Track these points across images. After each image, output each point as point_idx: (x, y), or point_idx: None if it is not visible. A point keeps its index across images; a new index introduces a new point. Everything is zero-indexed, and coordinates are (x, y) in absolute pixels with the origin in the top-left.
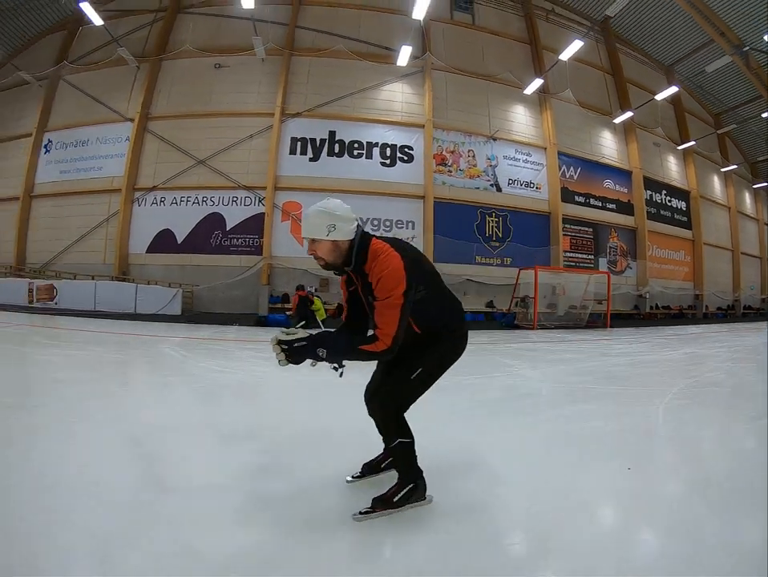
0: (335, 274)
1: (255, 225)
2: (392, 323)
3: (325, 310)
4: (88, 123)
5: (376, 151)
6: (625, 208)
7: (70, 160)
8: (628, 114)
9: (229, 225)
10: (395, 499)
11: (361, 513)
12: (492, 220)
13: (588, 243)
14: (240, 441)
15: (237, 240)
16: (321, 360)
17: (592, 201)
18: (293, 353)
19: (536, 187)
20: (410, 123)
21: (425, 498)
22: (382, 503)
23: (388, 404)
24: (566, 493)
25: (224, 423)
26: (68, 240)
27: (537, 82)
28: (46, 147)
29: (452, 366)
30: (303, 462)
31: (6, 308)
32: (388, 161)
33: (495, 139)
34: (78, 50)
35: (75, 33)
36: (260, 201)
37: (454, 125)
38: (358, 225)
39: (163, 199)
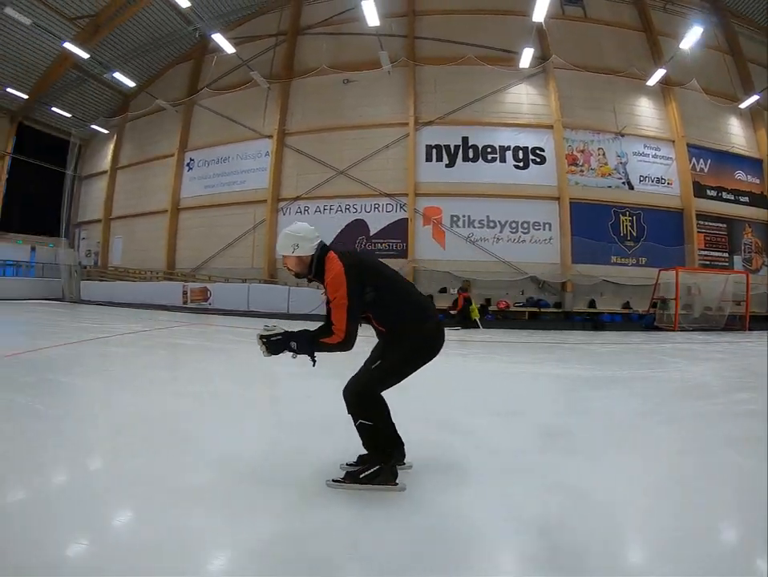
0: (308, 281)
1: (397, 230)
2: (342, 319)
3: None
4: (226, 141)
5: (509, 154)
6: (758, 201)
7: (213, 176)
8: (755, 97)
9: (372, 230)
10: (361, 476)
11: (333, 480)
12: (626, 219)
13: (722, 239)
14: None
15: (381, 245)
16: (295, 351)
17: (724, 195)
18: (271, 346)
19: (667, 183)
20: (538, 124)
21: (395, 483)
22: (351, 477)
23: (350, 388)
24: None
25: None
26: (216, 247)
27: (659, 73)
28: (188, 165)
29: (429, 362)
30: None
31: (166, 308)
32: (521, 164)
33: (622, 135)
34: (206, 77)
35: (201, 61)
36: (401, 207)
37: (582, 123)
38: (320, 243)
39: (306, 208)
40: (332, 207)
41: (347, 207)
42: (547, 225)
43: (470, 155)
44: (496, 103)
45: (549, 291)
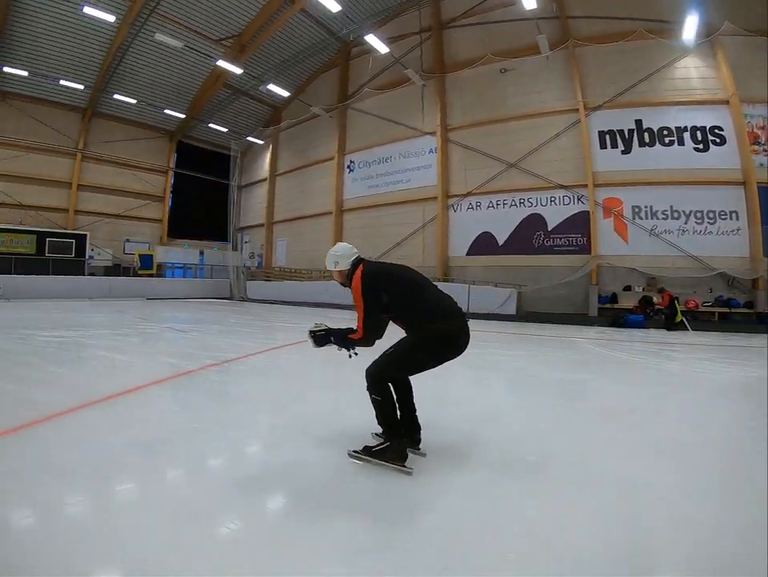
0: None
1: (577, 224)
2: (360, 319)
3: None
4: (385, 141)
5: (686, 136)
6: None
7: (375, 176)
8: None
9: (550, 225)
10: (373, 450)
11: (354, 451)
12: None
13: None
14: None
15: (560, 240)
16: (333, 344)
17: None
18: (317, 339)
19: None
20: (712, 100)
21: (404, 465)
22: (366, 450)
23: (368, 369)
24: None
25: None
26: (384, 247)
27: None
28: (349, 167)
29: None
30: None
31: (340, 306)
32: (701, 146)
33: None
34: (355, 81)
35: (347, 67)
36: (578, 199)
37: (759, 96)
38: (356, 258)
39: (478, 204)
40: (505, 202)
41: (521, 201)
42: (733, 214)
43: (646, 138)
44: (666, 80)
45: (739, 288)
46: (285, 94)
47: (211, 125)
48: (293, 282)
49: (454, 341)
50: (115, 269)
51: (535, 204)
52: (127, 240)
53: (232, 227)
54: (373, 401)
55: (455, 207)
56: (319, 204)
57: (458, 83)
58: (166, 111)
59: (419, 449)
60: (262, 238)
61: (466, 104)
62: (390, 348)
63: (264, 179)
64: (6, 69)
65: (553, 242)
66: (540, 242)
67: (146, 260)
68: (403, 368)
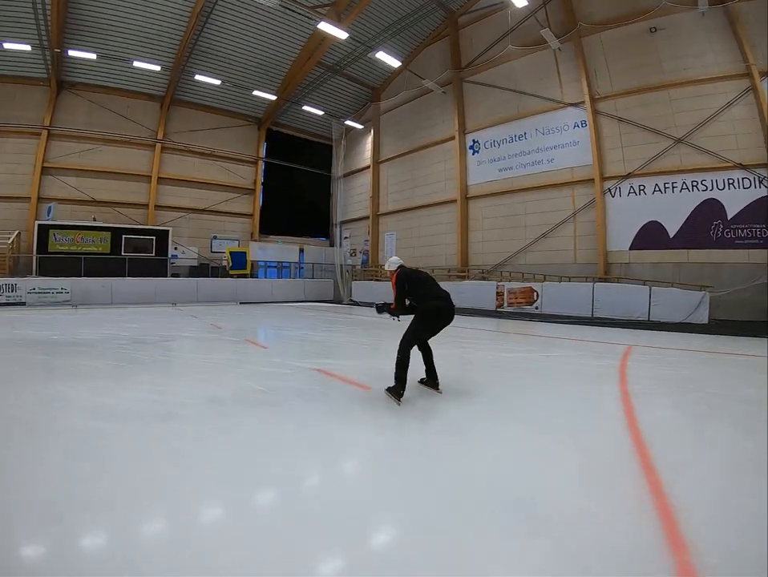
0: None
1: (761, 212)
2: (395, 297)
3: None
4: (516, 117)
5: None
6: None
7: (507, 157)
8: None
9: (730, 213)
10: (386, 388)
11: (387, 389)
12: None
13: None
14: None
15: (742, 231)
16: (386, 312)
17: None
18: (377, 309)
19: None
20: None
21: (398, 400)
22: (387, 389)
23: (403, 340)
24: None
25: None
26: (524, 238)
27: None
28: (472, 147)
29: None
30: None
31: (473, 312)
32: None
33: None
34: (467, 53)
35: (457, 37)
36: (759, 182)
37: None
38: (399, 264)
39: (642, 188)
40: (675, 185)
41: (694, 184)
42: None
43: None
44: None
45: None
46: (395, 63)
47: (305, 108)
48: None
49: (437, 313)
50: (202, 269)
51: (710, 188)
52: (215, 237)
53: (337, 220)
54: (397, 357)
55: (613, 191)
56: (435, 192)
57: (599, 46)
58: (255, 93)
59: (439, 390)
60: (366, 232)
61: (613, 70)
62: (410, 324)
63: (366, 168)
64: (72, 53)
65: (734, 233)
66: (719, 233)
67: (238, 259)
68: (418, 334)
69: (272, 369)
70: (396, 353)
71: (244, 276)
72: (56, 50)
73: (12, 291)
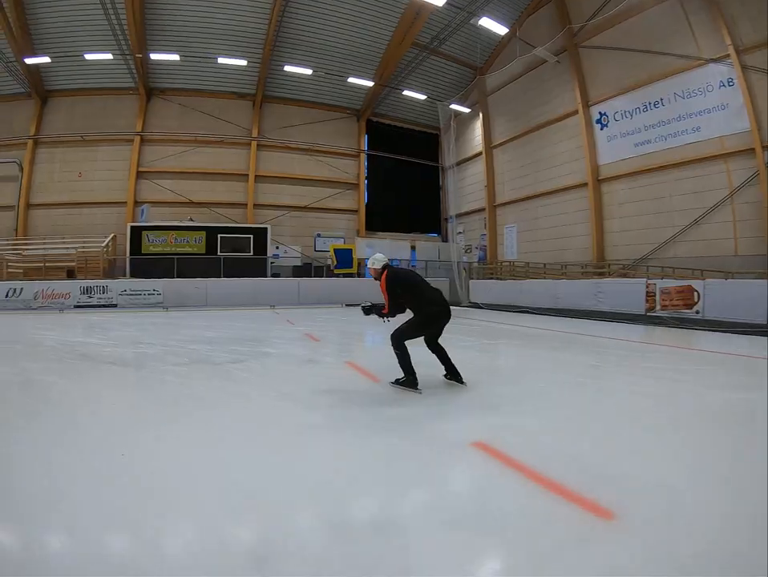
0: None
1: None
2: (386, 301)
3: None
4: (648, 80)
5: None
6: None
7: (643, 129)
8: None
9: None
10: (395, 379)
11: (391, 382)
12: None
13: None
14: None
15: None
16: (374, 314)
17: None
18: (364, 311)
19: None
20: None
21: (415, 388)
22: (397, 381)
23: (393, 335)
24: None
25: None
26: (668, 228)
27: None
28: (599, 121)
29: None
30: None
31: (625, 316)
32: None
33: None
34: (581, 13)
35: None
36: None
37: None
38: (384, 264)
39: None
40: None
41: None
42: None
43: None
44: None
45: None
46: (501, 30)
47: (406, 93)
48: (536, 281)
49: (437, 319)
50: (305, 269)
51: None
52: (318, 235)
53: (449, 214)
54: (396, 354)
55: None
56: (560, 176)
57: None
58: (350, 81)
59: (463, 382)
60: (482, 226)
61: (756, 15)
62: (404, 323)
63: (478, 154)
64: (155, 56)
65: None
66: None
67: (343, 257)
68: (408, 334)
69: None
70: (393, 350)
71: (350, 275)
72: (138, 55)
73: (103, 293)
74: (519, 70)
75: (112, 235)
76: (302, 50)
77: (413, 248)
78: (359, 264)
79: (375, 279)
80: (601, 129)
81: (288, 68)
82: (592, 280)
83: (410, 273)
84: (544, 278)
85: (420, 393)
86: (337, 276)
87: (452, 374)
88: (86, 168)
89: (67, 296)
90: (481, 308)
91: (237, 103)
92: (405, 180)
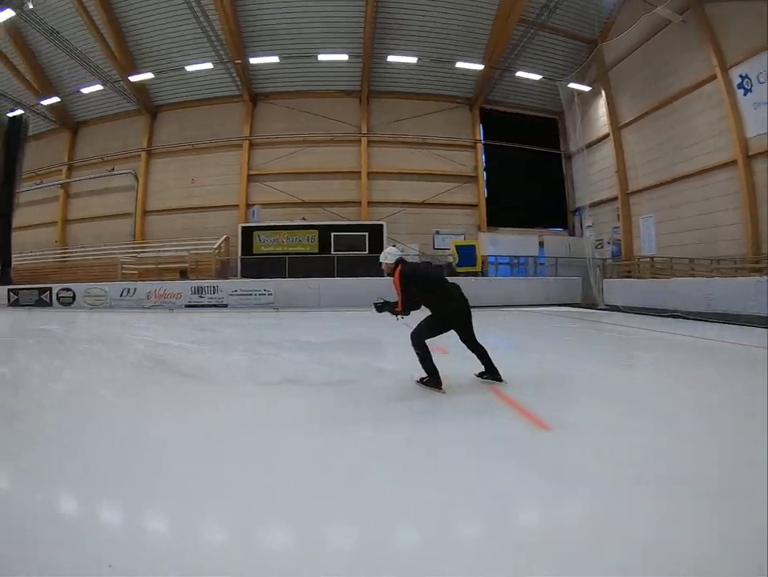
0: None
1: None
2: (400, 300)
3: None
4: None
5: None
6: None
7: None
8: None
9: None
10: (420, 378)
11: (417, 380)
12: None
13: None
14: None
15: None
16: (388, 312)
17: None
18: (377, 308)
19: None
20: None
21: (439, 388)
22: (422, 380)
23: (412, 334)
24: None
25: None
26: None
27: None
28: (741, 86)
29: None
30: None
31: None
32: None
33: None
34: None
35: None
36: None
37: None
38: (399, 258)
39: None
40: None
41: None
42: None
43: None
44: None
45: None
46: None
47: (519, 74)
48: (682, 280)
49: (455, 317)
50: None
51: None
52: (437, 232)
53: (575, 205)
54: (417, 354)
55: None
56: (702, 155)
57: None
58: (458, 65)
59: (502, 380)
60: (614, 218)
61: None
62: (422, 321)
63: (604, 137)
64: (254, 60)
65: None
66: None
67: (466, 254)
68: (427, 333)
69: None
70: (414, 350)
71: (474, 273)
72: (237, 61)
73: (214, 293)
74: (640, 38)
75: (224, 236)
76: (404, 37)
77: (541, 243)
78: (482, 261)
79: (388, 275)
80: (745, 95)
81: (391, 58)
82: (754, 277)
83: (425, 267)
84: (692, 276)
85: (444, 392)
86: (459, 275)
87: (491, 373)
88: (198, 174)
89: (178, 295)
90: (621, 311)
91: (344, 101)
92: (525, 171)
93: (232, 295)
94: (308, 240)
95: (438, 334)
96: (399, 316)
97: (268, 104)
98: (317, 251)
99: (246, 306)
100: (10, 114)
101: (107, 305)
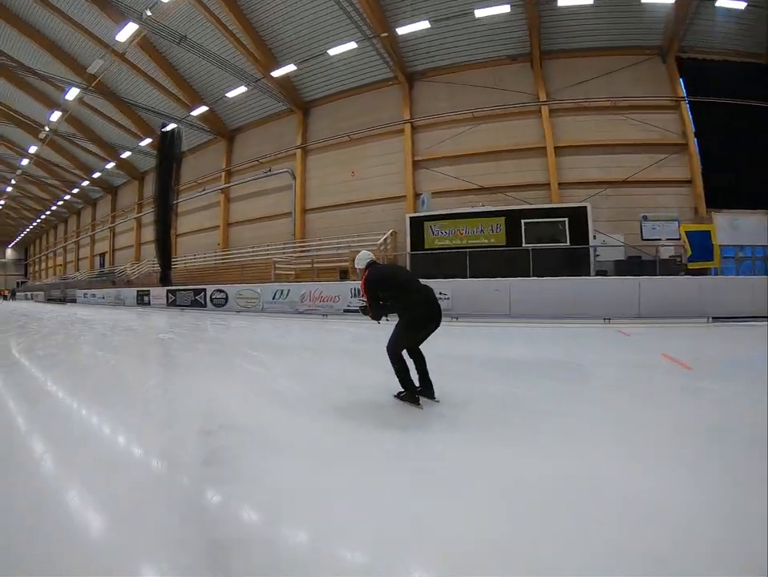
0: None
1: None
2: (368, 305)
3: None
4: None
5: None
6: None
7: None
8: None
9: None
10: (397, 393)
11: (394, 395)
12: None
13: None
14: None
15: None
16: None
17: None
18: (361, 310)
19: None
20: None
21: (418, 405)
22: (399, 395)
23: (387, 347)
24: None
25: None
26: None
27: None
28: None
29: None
30: None
31: None
32: None
33: None
34: None
35: None
36: None
37: None
38: (368, 261)
39: None
40: None
41: None
42: None
43: None
44: None
45: None
46: None
47: (719, 2)
48: None
49: (426, 322)
50: (632, 265)
51: None
52: (644, 218)
53: None
54: (393, 367)
55: None
56: None
57: None
58: (644, 1)
59: (435, 398)
60: None
61: None
62: (393, 330)
63: None
64: (401, 30)
65: None
66: None
67: (700, 243)
68: (401, 342)
69: None
70: (390, 360)
71: (705, 271)
72: (383, 34)
73: None
74: None
75: (390, 231)
76: None
77: None
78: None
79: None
80: None
81: (562, 1)
82: None
83: (392, 271)
84: None
85: (421, 408)
86: (691, 272)
87: (425, 387)
88: (358, 167)
89: (336, 299)
90: None
91: (512, 68)
92: (749, 134)
93: None
94: (492, 229)
95: (414, 340)
96: (380, 321)
97: (426, 83)
98: (504, 243)
99: None
100: (165, 129)
101: (259, 308)
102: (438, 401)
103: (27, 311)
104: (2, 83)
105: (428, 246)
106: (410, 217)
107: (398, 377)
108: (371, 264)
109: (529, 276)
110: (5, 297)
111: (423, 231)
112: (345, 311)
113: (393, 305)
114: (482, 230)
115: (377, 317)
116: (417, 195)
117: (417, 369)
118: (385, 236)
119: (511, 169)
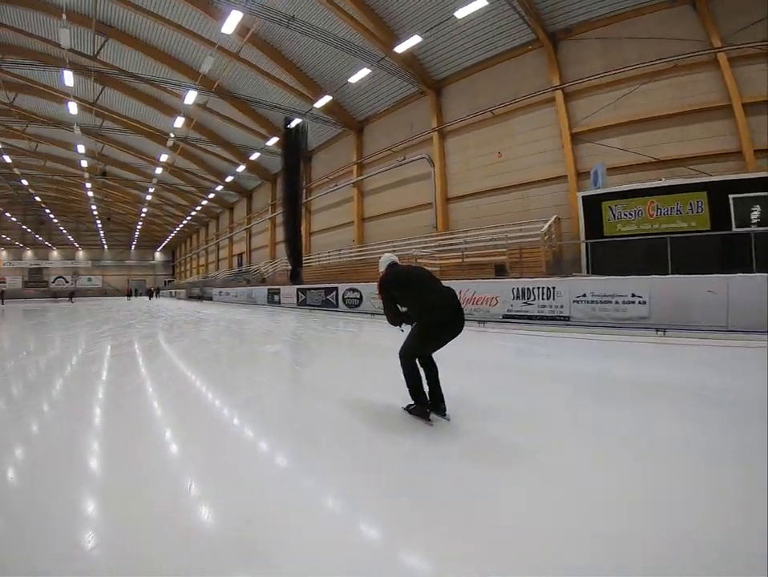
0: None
1: None
2: (383, 306)
3: None
4: None
5: None
6: None
7: None
8: None
9: None
10: (406, 406)
11: (404, 408)
12: None
13: None
14: None
15: None
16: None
17: None
18: (389, 321)
19: None
20: None
21: (427, 419)
22: (408, 408)
23: (400, 352)
24: None
25: None
26: None
27: None
28: None
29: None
30: None
31: None
32: None
33: None
34: None
35: None
36: None
37: None
38: (389, 263)
39: None
40: None
41: None
42: None
43: None
44: None
45: None
46: None
47: None
48: None
49: (446, 326)
50: None
51: None
52: None
53: None
54: (404, 375)
55: None
56: None
57: None
58: None
59: (445, 415)
60: None
61: None
62: (410, 333)
63: None
64: None
65: None
66: None
67: None
68: (416, 348)
69: None
70: (401, 366)
71: None
72: None
73: (548, 298)
74: None
75: (554, 217)
76: None
77: None
78: None
79: None
80: None
81: None
82: None
83: (412, 272)
84: None
85: (431, 424)
86: None
87: (434, 401)
88: (504, 146)
89: (493, 301)
90: None
91: (673, 12)
92: None
93: (577, 302)
94: (691, 209)
95: (427, 349)
96: (399, 329)
97: (574, 42)
98: (708, 227)
99: (600, 320)
100: (289, 125)
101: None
102: (449, 419)
103: (151, 307)
104: (127, 99)
105: (609, 233)
106: (583, 196)
107: (408, 385)
108: (391, 266)
109: (752, 272)
110: (150, 295)
111: (602, 213)
112: (505, 316)
113: (410, 309)
114: (678, 210)
115: (395, 323)
116: (579, 175)
117: (428, 378)
118: (549, 223)
119: (697, 134)
